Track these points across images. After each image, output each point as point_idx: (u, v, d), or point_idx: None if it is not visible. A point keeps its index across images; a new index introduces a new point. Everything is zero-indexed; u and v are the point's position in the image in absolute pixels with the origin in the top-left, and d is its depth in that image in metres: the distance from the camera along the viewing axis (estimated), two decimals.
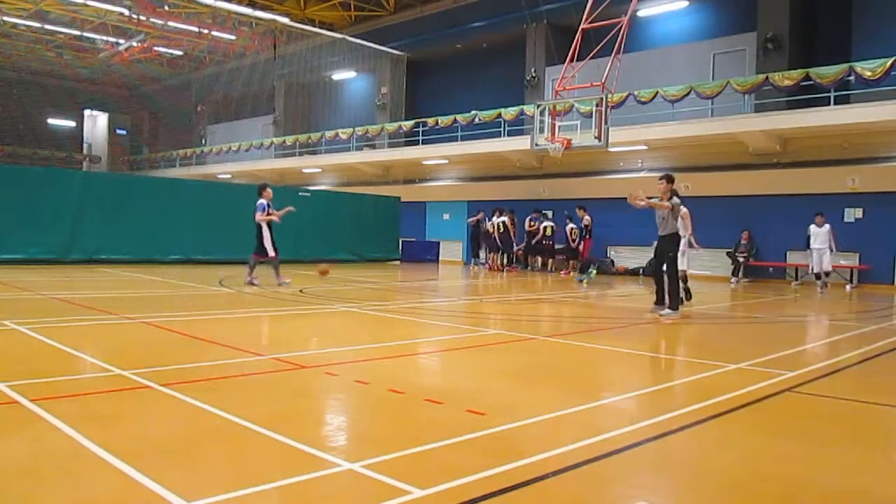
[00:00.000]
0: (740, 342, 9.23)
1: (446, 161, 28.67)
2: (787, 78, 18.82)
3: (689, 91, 20.30)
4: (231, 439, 4.05)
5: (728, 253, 21.13)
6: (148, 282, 14.36)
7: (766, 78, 19.12)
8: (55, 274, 15.25)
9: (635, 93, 20.90)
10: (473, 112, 25.92)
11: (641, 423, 4.61)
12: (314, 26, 33.33)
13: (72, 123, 48.33)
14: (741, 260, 20.59)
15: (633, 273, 22.82)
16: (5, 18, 33.23)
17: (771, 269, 20.86)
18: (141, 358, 6.32)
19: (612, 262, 23.92)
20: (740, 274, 20.52)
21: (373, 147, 31.96)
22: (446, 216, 29.84)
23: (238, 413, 4.42)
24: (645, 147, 22.33)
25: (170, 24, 32.28)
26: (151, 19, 31.68)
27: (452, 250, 29.26)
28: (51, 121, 46.81)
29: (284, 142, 35.25)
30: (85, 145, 48.91)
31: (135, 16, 31.03)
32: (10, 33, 36.72)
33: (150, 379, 5.26)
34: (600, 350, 7.72)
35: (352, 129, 31.50)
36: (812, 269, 17.82)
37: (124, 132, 49.68)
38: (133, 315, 8.92)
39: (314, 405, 5.11)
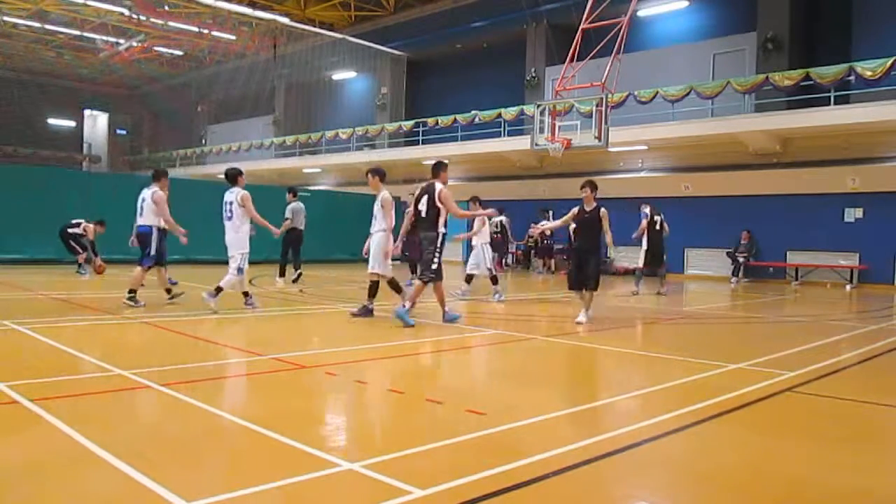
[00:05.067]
0: (740, 342, 9.23)
1: (446, 161, 28.62)
2: (787, 78, 18.81)
3: (690, 91, 20.28)
4: (231, 439, 4.05)
5: (728, 253, 21.13)
6: (148, 281, 14.35)
7: (766, 78, 19.10)
8: (55, 274, 15.24)
9: (635, 93, 20.89)
10: (473, 112, 25.90)
11: (641, 422, 4.61)
12: (314, 26, 33.29)
13: (72, 123, 48.26)
14: (741, 260, 20.58)
15: (632, 273, 22.80)
16: (5, 18, 33.17)
17: (771, 269, 20.85)
18: (141, 358, 6.32)
19: (612, 261, 23.92)
20: (740, 274, 20.51)
21: (373, 147, 31.94)
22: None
23: (238, 413, 4.42)
24: (645, 147, 22.31)
25: (170, 24, 32.24)
26: (151, 19, 31.64)
27: (452, 250, 29.25)
28: (51, 121, 46.71)
29: (284, 142, 35.22)
30: (85, 145, 48.90)
31: (135, 16, 30.98)
32: (11, 33, 36.64)
33: (151, 379, 5.26)
34: (600, 350, 7.72)
35: (352, 129, 31.47)
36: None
37: (124, 132, 49.68)
38: (133, 315, 8.92)
39: (314, 405, 5.11)
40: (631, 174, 23.80)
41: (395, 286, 9.81)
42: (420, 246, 9.40)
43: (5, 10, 32.04)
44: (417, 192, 9.39)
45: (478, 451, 3.94)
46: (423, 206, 9.18)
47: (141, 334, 7.77)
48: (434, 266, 9.13)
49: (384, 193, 9.62)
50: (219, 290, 9.50)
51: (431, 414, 4.73)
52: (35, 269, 16.21)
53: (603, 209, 9.83)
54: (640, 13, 22.65)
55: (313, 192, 27.50)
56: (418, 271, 9.43)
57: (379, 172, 9.76)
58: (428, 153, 28.38)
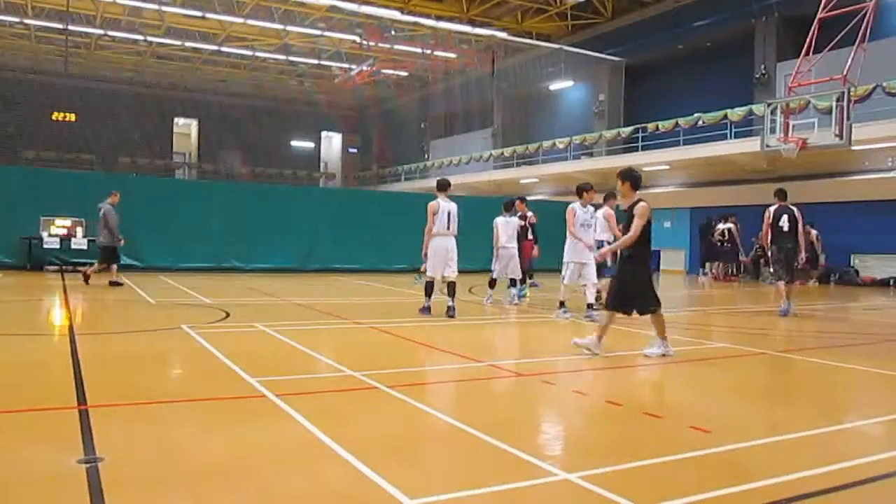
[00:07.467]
0: None
1: (667, 167, 27.65)
2: None
3: None
4: (450, 442, 4.18)
5: None
6: (376, 289, 15.27)
7: None
8: (296, 281, 16.67)
9: (884, 84, 18.82)
10: (696, 115, 24.79)
11: (892, 451, 4.12)
12: (531, 38, 33.68)
13: (311, 144, 53.05)
14: None
15: (882, 284, 20.57)
16: (257, 54, 37.23)
17: None
18: (369, 360, 6.72)
19: (857, 271, 21.73)
20: None
21: (590, 155, 31.63)
22: (667, 224, 28.76)
23: (457, 416, 4.55)
24: None
25: (396, 47, 34.28)
26: (379, 44, 33.88)
27: (674, 259, 28.14)
28: (293, 143, 51.61)
29: (503, 153, 35.95)
30: (322, 164, 53.47)
31: (364, 42, 33.38)
32: (262, 67, 41.09)
33: (378, 380, 5.57)
34: (842, 368, 7.02)
35: (569, 139, 31.39)
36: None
37: (355, 150, 53.72)
38: (362, 320, 9.52)
39: (531, 413, 5.13)
40: (878, 174, 21.48)
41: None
42: (783, 255, 11.58)
43: (257, 46, 35.95)
44: (774, 211, 11.65)
45: (702, 469, 3.74)
46: (784, 224, 11.52)
47: (370, 338, 8.26)
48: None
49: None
50: (561, 303, 10.61)
51: (651, 428, 4.57)
52: (280, 276, 17.81)
53: (643, 203, 6.97)
54: None
55: (530, 202, 27.70)
56: (783, 275, 11.58)
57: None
58: (647, 159, 27.57)
